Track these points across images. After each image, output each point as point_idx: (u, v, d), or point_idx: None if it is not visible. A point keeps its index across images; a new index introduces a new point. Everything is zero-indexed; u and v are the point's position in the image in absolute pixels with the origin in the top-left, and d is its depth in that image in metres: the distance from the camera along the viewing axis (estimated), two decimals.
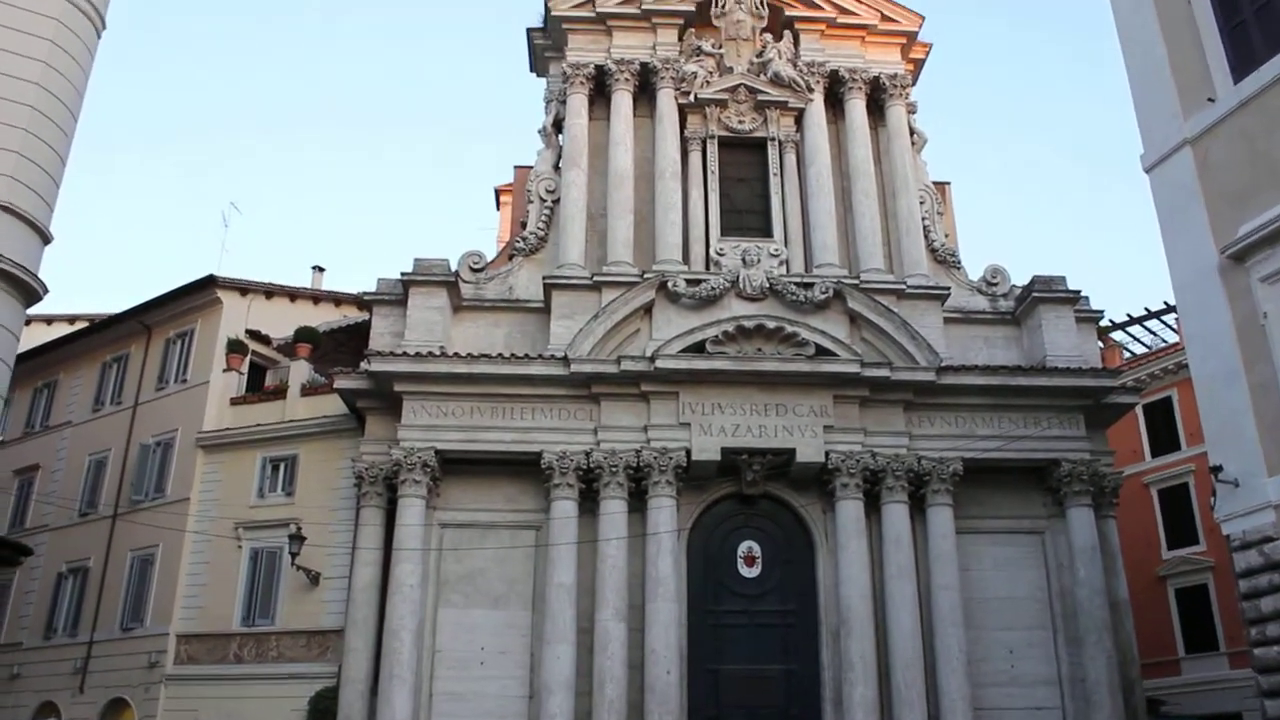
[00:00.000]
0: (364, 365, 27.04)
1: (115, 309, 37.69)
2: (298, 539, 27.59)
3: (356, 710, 24.93)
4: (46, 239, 22.21)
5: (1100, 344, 31.07)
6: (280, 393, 31.58)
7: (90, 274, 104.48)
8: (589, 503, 26.44)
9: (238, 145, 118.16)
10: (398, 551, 25.63)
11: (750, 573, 27.22)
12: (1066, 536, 27.11)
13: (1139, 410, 40.19)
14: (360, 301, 32.12)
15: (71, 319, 45.28)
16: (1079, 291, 29.27)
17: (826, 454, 26.69)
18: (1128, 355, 45.85)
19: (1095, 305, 30.16)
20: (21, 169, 21.31)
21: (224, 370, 32.31)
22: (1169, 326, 44.79)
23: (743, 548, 27.40)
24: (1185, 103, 19.22)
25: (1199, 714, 36.02)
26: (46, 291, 22.04)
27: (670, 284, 27.97)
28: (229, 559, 29.50)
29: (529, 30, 32.93)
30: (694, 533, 27.29)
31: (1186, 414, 40.24)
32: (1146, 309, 45.15)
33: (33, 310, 23.57)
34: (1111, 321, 44.48)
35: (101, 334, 37.19)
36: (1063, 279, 29.32)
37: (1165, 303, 43.80)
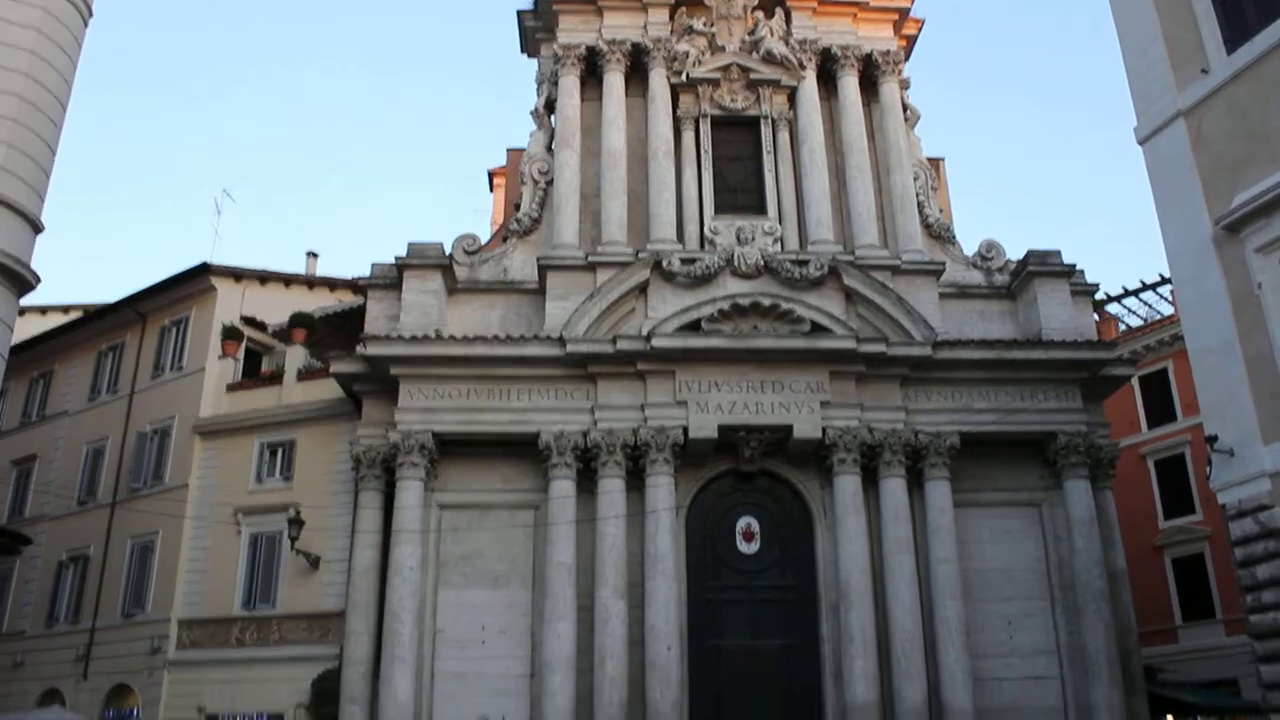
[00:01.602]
0: (360, 349, 27.02)
1: (110, 298, 37.70)
2: (297, 523, 27.71)
3: (359, 691, 25.08)
4: (38, 229, 22.10)
5: (1096, 317, 31.20)
6: (277, 378, 31.60)
7: (84, 264, 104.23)
8: (587, 482, 26.53)
9: (229, 131, 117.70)
10: (397, 534, 25.73)
11: (749, 549, 27.34)
12: (1064, 508, 27.23)
13: (1135, 382, 40.34)
14: (355, 286, 32.09)
15: (66, 309, 45.13)
16: (1074, 265, 29.28)
17: (823, 429, 26.78)
18: (1123, 328, 46.00)
19: (1090, 278, 30.18)
20: (10, 159, 21.14)
21: (220, 357, 32.36)
22: (1164, 299, 44.90)
23: (741, 524, 27.51)
24: (1179, 75, 19.20)
25: (1196, 681, 36.27)
26: (39, 281, 21.95)
27: (665, 263, 27.94)
28: (229, 544, 29.59)
29: (520, 12, 32.80)
30: (692, 510, 27.41)
31: (1182, 385, 40.37)
32: (1142, 281, 45.34)
33: (27, 301, 23.48)
34: (1107, 294, 44.63)
35: (96, 323, 37.18)
36: (1058, 253, 29.31)
37: (1160, 275, 43.96)
